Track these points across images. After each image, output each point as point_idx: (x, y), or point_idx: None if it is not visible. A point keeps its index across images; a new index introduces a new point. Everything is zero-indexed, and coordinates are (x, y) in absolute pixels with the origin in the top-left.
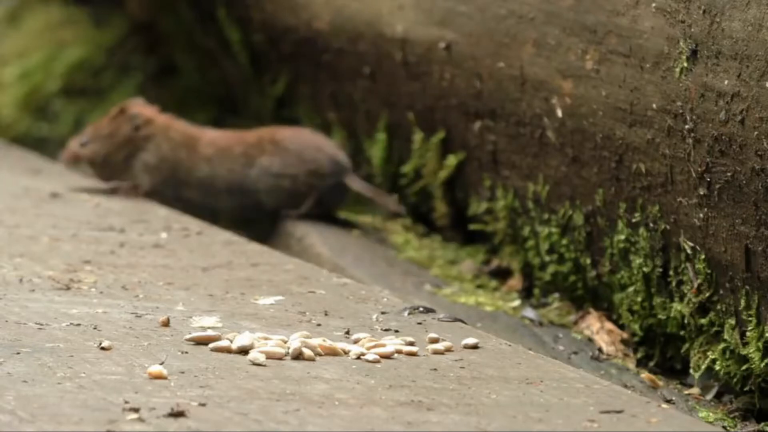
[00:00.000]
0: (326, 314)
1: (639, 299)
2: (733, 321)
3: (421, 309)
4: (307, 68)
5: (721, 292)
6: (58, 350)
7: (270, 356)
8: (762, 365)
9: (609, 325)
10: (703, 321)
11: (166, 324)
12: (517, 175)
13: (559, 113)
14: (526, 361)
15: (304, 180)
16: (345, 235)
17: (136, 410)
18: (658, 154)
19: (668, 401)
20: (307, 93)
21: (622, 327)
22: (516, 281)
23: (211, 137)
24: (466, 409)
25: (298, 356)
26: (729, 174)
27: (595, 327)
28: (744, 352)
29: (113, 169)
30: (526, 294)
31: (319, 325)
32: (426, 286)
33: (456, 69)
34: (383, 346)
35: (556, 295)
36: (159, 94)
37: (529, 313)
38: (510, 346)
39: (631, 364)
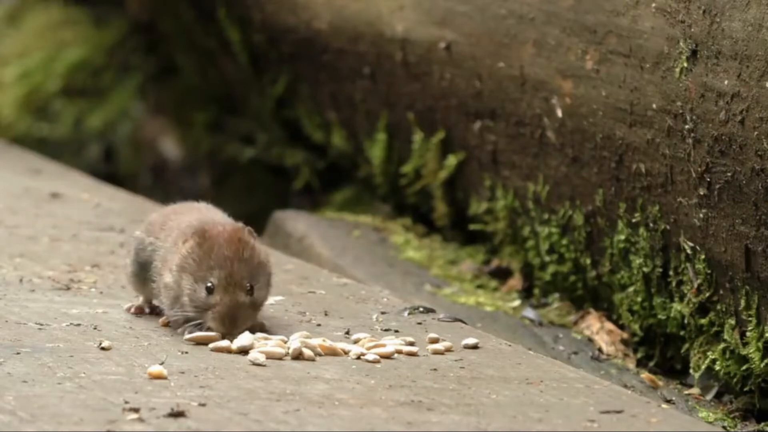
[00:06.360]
0: (326, 314)
1: (639, 299)
2: (733, 321)
3: (421, 309)
4: (307, 68)
5: (721, 292)
6: (58, 350)
7: (270, 356)
8: (762, 365)
9: (609, 325)
10: (703, 321)
11: (166, 324)
12: (517, 175)
13: (559, 113)
14: (526, 361)
15: None
16: (345, 235)
17: (136, 410)
18: (658, 154)
19: (668, 401)
20: (307, 93)
21: (622, 327)
22: (516, 281)
23: None
24: (466, 409)
25: (298, 356)
26: (729, 174)
27: (595, 327)
28: (744, 352)
29: None
30: (526, 294)
31: (319, 325)
32: (426, 286)
33: (456, 69)
34: (383, 346)
35: (556, 295)
36: (159, 94)
37: (529, 313)
38: (510, 346)
39: (631, 364)
